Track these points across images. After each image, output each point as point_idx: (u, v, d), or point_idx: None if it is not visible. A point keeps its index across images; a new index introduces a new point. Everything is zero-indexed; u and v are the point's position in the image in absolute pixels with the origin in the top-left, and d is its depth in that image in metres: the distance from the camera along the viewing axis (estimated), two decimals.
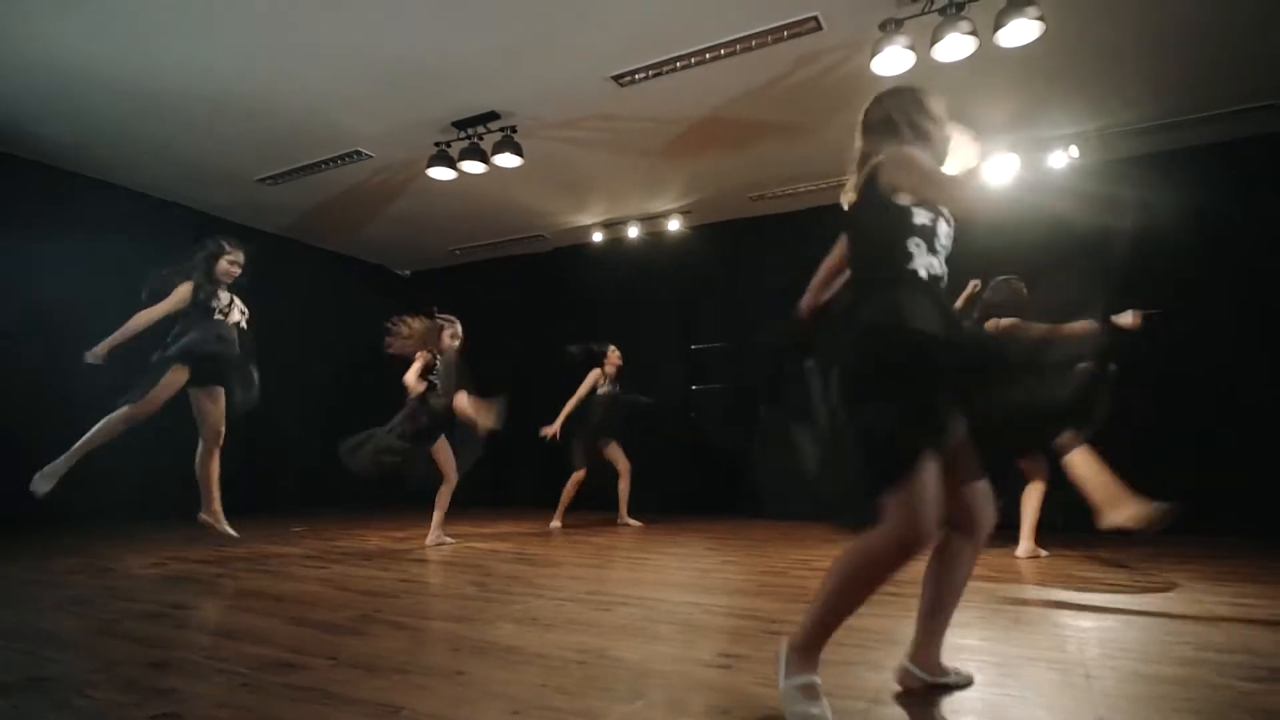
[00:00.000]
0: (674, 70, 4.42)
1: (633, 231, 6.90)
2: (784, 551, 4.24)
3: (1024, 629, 2.37)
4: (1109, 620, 2.53)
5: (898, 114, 1.88)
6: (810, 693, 1.58)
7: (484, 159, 5.00)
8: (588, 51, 4.28)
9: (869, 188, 1.76)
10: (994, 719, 1.60)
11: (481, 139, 5.05)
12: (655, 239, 6.98)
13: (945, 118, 1.90)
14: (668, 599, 2.88)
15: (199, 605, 2.77)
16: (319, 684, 1.80)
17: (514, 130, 4.97)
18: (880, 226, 1.75)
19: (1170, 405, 4.87)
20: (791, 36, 4.10)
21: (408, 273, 8.65)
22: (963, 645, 2.14)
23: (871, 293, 1.71)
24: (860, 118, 1.97)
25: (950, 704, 1.69)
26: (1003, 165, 5.33)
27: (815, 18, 3.93)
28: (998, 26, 3.59)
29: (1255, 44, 4.09)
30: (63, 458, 3.68)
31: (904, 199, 1.71)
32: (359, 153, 5.51)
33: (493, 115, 4.95)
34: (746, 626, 2.42)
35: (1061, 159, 5.18)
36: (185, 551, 4.09)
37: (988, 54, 3.84)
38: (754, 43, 4.16)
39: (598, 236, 7.06)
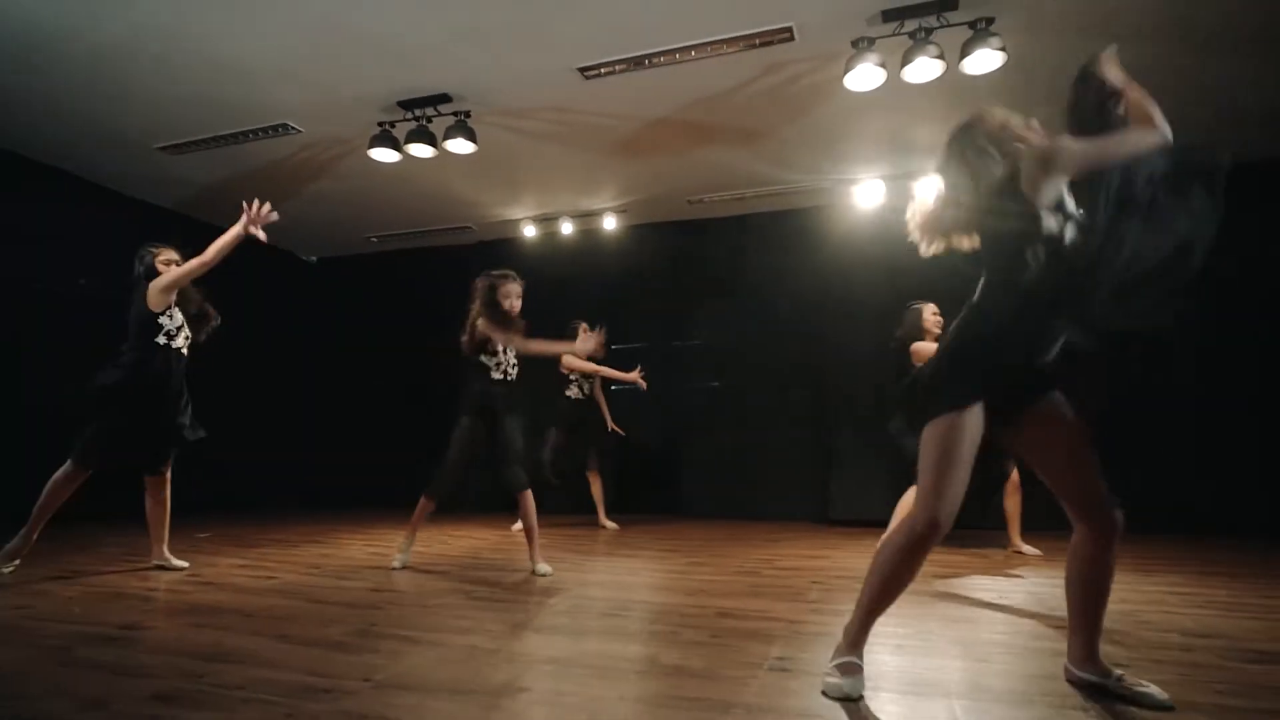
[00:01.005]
0: (642, 68, 4.37)
1: (566, 228, 6.77)
2: (743, 551, 4.28)
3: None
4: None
5: None
6: (846, 669, 1.78)
7: (433, 143, 4.74)
8: (558, 41, 4.15)
9: None
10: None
11: (430, 122, 4.79)
12: (588, 236, 6.89)
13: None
14: (670, 602, 2.84)
15: (155, 625, 2.45)
16: (377, 710, 1.63)
17: (467, 115, 4.75)
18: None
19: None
20: (763, 44, 4.15)
21: (314, 259, 8.09)
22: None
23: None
24: None
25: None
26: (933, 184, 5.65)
27: (790, 28, 4.00)
28: (964, 54, 3.79)
29: (1182, 81, 4.47)
30: (20, 534, 3.23)
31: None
32: (287, 126, 5.09)
33: (444, 98, 4.71)
34: (772, 628, 2.42)
35: None
36: (87, 562, 3.61)
37: (954, 77, 4.04)
38: (726, 47, 4.18)
39: (529, 231, 6.88)
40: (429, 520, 3.82)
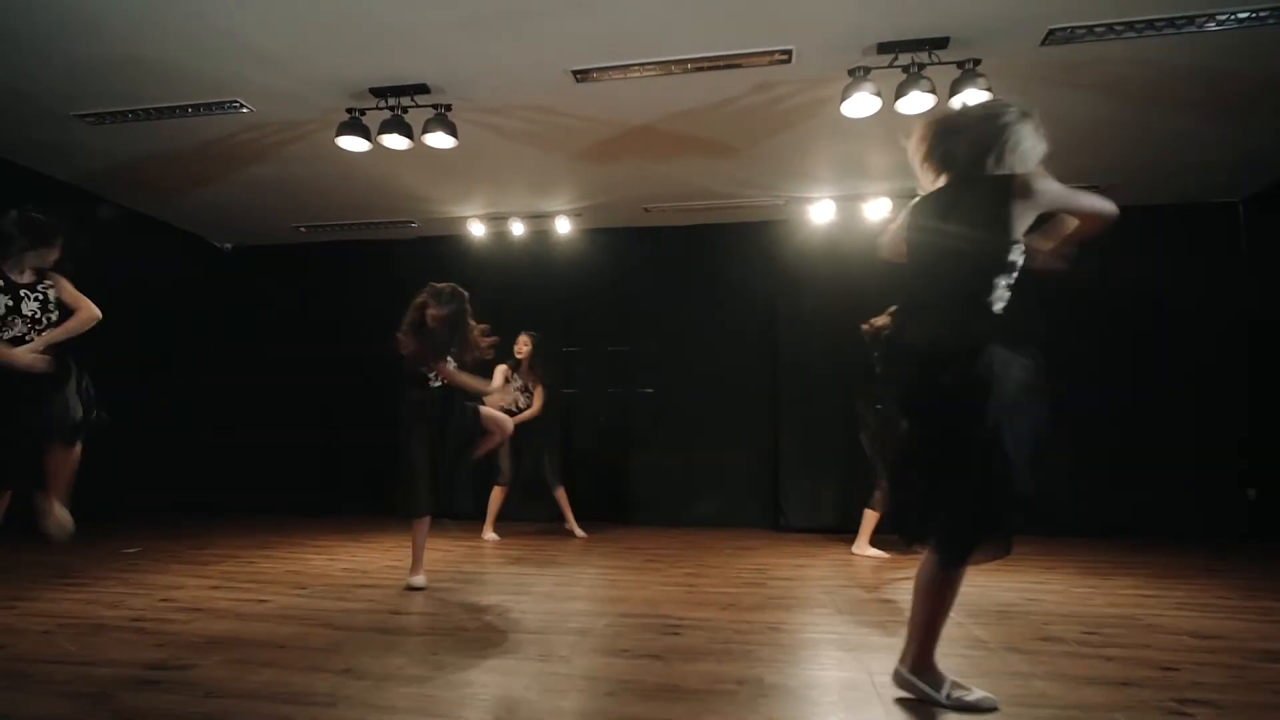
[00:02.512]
0: (639, 76, 4.35)
1: (517, 229, 6.61)
2: (728, 562, 4.33)
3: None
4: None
5: None
6: (961, 687, 1.88)
7: (409, 135, 4.50)
8: (555, 41, 4.04)
9: None
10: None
11: (406, 112, 4.54)
12: (538, 238, 6.76)
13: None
14: (692, 616, 2.83)
15: (191, 662, 2.17)
16: None
17: (448, 108, 4.54)
18: None
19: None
20: (760, 64, 4.24)
21: (229, 246, 7.44)
22: None
23: None
24: None
25: None
26: (879, 207, 5.99)
27: (791, 51, 4.10)
28: (953, 91, 4.03)
29: (1131, 131, 4.93)
30: None
31: None
32: (236, 104, 4.67)
33: (422, 88, 4.48)
34: (815, 640, 2.48)
35: None
36: (18, 589, 3.17)
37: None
38: (723, 63, 4.24)
39: (476, 229, 6.65)
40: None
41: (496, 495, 5.47)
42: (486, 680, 2.04)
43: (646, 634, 2.56)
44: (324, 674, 2.05)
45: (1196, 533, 5.43)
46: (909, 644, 1.94)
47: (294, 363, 7.02)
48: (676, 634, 2.56)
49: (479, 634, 2.55)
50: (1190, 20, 3.72)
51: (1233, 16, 3.67)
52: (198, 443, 6.85)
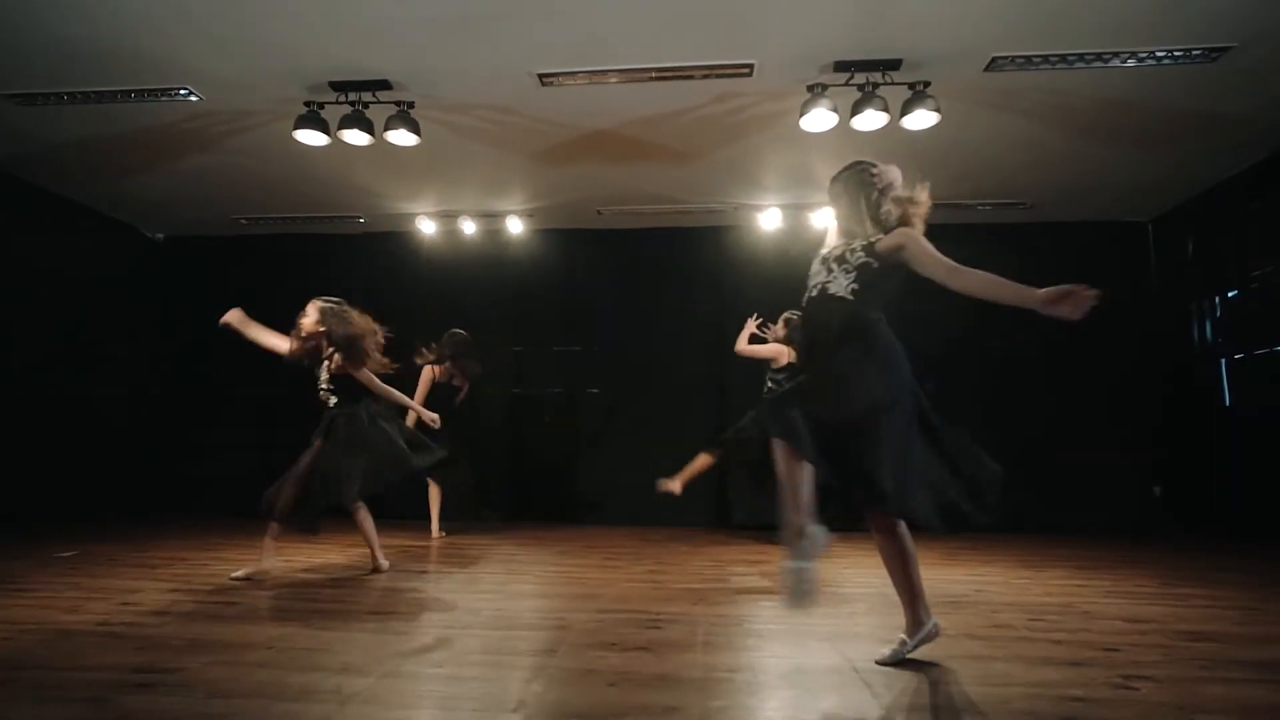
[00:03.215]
0: (603, 82, 4.42)
1: (468, 227, 6.57)
2: (686, 558, 4.45)
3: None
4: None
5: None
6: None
7: (370, 131, 4.44)
8: (522, 43, 4.07)
9: None
10: None
11: (367, 108, 4.48)
12: (490, 237, 6.74)
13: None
14: (667, 610, 2.93)
15: (178, 665, 2.12)
16: None
17: (410, 105, 4.51)
18: None
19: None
20: (722, 76, 4.38)
21: (160, 237, 7.11)
22: None
23: None
24: None
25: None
26: (824, 215, 6.24)
27: (751, 65, 4.26)
28: (904, 112, 4.26)
29: (1064, 155, 5.30)
30: None
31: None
32: (184, 91, 4.50)
33: (383, 84, 4.43)
34: (789, 631, 2.61)
35: None
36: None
37: (892, 130, 4.49)
38: (686, 73, 4.35)
39: (426, 226, 6.58)
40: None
41: (435, 494, 5.44)
42: (489, 675, 2.08)
43: (627, 628, 2.64)
44: (323, 672, 2.05)
45: (1110, 528, 5.88)
46: (906, 612, 2.27)
47: (224, 358, 6.76)
48: (657, 628, 2.66)
49: (463, 630, 2.58)
50: (1115, 55, 4.05)
51: (1151, 55, 4.02)
52: (117, 442, 6.53)
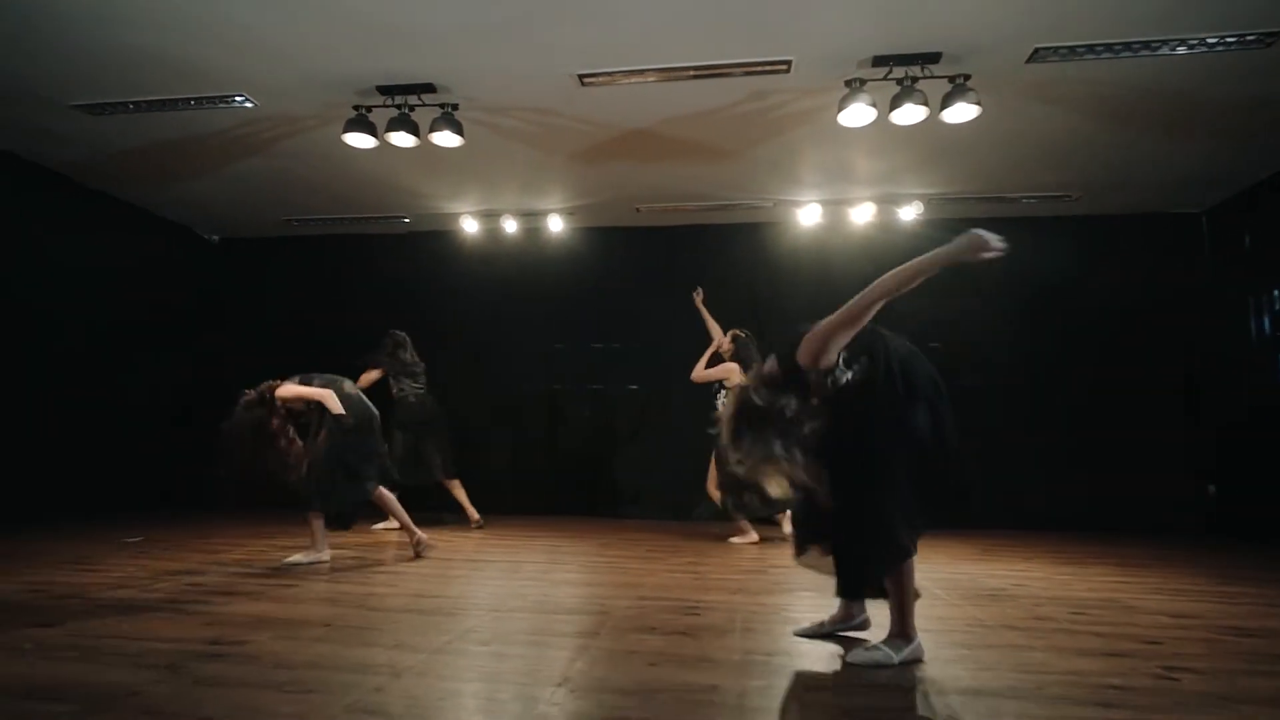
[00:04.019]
0: (641, 82, 4.48)
1: (509, 226, 6.70)
2: (727, 551, 4.50)
3: None
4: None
5: None
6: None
7: (416, 133, 4.58)
8: (561, 45, 4.15)
9: None
10: None
11: (413, 110, 4.62)
12: (530, 235, 6.87)
13: None
14: (707, 599, 2.99)
15: (247, 639, 2.26)
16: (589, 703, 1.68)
17: (455, 107, 4.63)
18: None
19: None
20: (760, 73, 4.41)
21: (216, 238, 7.40)
22: None
23: None
24: None
25: None
26: (864, 211, 6.23)
27: (790, 62, 4.28)
28: (944, 105, 4.24)
29: (1104, 145, 5.20)
30: None
31: None
32: (240, 98, 4.70)
33: (429, 87, 4.56)
34: None
35: (909, 212, 6.18)
36: (51, 574, 3.20)
37: (932, 124, 4.47)
38: (724, 71, 4.39)
39: (469, 225, 6.73)
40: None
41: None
42: (534, 653, 2.16)
43: (668, 614, 2.71)
44: (377, 648, 2.16)
45: (1160, 527, 5.76)
46: (891, 619, 2.22)
47: (275, 353, 6.99)
48: (696, 614, 2.72)
49: (509, 614, 2.67)
50: (1163, 43, 3.98)
51: (1202, 41, 3.94)
52: (178, 436, 6.80)
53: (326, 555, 3.74)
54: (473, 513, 5.59)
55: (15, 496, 5.35)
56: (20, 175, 5.55)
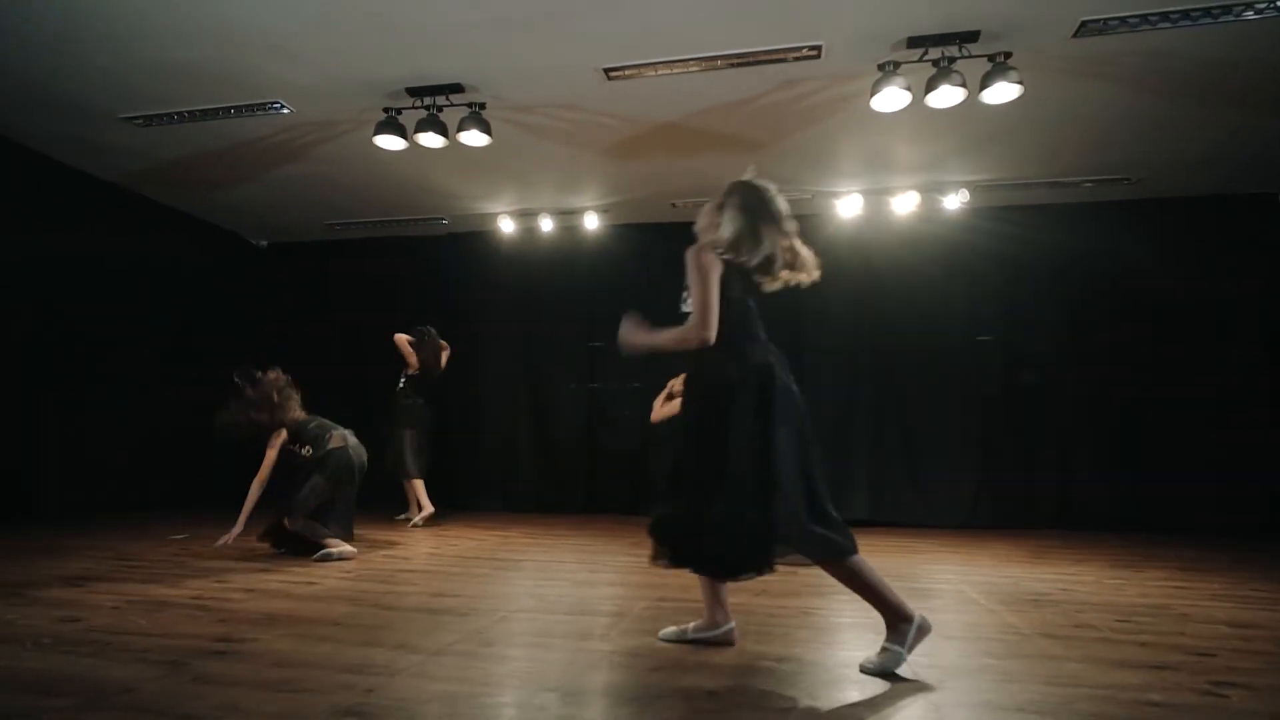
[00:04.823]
0: (669, 74, 4.40)
1: (546, 224, 6.70)
2: None
3: None
4: None
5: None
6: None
7: (444, 133, 4.60)
8: (586, 40, 4.11)
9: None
10: None
11: (441, 111, 4.64)
12: (568, 234, 6.85)
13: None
14: (729, 601, 2.89)
15: (252, 637, 2.28)
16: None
17: (482, 107, 4.64)
18: None
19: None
20: (789, 60, 4.28)
21: (264, 243, 7.62)
22: None
23: None
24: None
25: None
26: (907, 200, 6.01)
27: (820, 47, 4.14)
28: (984, 85, 4.04)
29: (1157, 120, 4.88)
30: None
31: None
32: (275, 105, 4.80)
33: (456, 87, 4.58)
34: (847, 624, 2.52)
35: (954, 200, 5.94)
36: (92, 570, 3.32)
37: (971, 105, 4.27)
38: (754, 59, 4.28)
39: (506, 225, 6.75)
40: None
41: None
42: (536, 656, 2.12)
43: (685, 616, 2.62)
44: (380, 648, 2.15)
45: (1226, 529, 5.39)
46: (880, 615, 2.08)
47: (322, 355, 7.16)
48: None
49: (520, 615, 2.64)
50: (1226, 9, 3.69)
51: (1272, 5, 3.64)
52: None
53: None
54: (416, 509, 5.53)
55: (79, 492, 5.61)
56: (74, 186, 5.79)
